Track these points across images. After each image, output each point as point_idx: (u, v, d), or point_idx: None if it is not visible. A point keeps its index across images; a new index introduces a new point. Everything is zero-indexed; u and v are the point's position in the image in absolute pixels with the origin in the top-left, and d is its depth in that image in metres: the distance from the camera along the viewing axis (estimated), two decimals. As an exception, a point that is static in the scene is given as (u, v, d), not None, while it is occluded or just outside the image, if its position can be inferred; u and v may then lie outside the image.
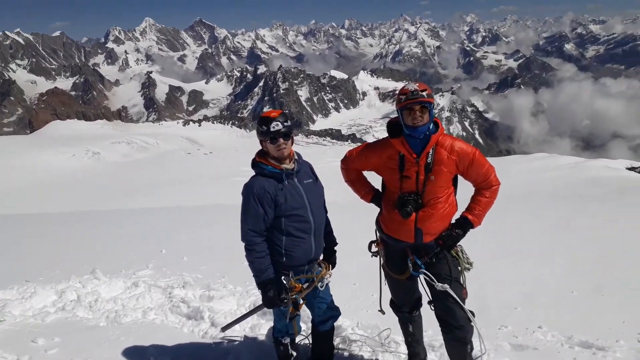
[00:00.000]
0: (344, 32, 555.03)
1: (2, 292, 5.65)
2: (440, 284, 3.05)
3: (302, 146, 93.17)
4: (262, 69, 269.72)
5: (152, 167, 42.85)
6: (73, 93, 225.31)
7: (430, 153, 2.98)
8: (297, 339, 3.79)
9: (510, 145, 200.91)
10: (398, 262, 3.29)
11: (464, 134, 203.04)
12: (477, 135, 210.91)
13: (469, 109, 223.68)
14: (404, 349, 3.88)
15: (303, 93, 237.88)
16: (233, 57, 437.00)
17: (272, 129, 2.97)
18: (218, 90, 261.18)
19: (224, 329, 4.07)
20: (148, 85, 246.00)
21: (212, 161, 47.62)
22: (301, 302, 3.28)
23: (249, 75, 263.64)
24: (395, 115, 3.12)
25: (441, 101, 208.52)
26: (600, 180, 24.15)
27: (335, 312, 3.47)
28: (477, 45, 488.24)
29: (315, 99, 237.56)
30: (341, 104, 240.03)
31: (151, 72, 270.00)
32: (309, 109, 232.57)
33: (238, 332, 4.52)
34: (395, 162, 3.06)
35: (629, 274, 6.24)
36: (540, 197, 18.60)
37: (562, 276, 6.22)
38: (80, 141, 59.34)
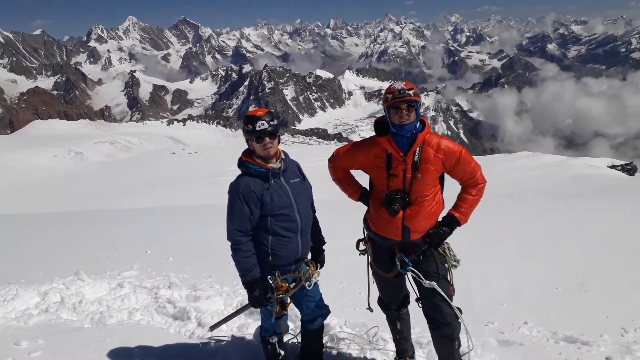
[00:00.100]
0: (329, 31, 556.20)
1: (-17, 295, 5.52)
2: (427, 282, 3.06)
3: (289, 145, 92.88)
4: (247, 68, 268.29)
5: (136, 167, 42.34)
6: (55, 92, 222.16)
7: (417, 151, 2.99)
8: (286, 338, 3.78)
9: (494, 144, 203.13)
10: (386, 260, 3.29)
11: (449, 133, 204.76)
12: (461, 134, 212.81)
13: (454, 108, 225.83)
14: (391, 346, 3.89)
15: (289, 92, 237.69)
16: (218, 56, 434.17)
17: (258, 128, 2.95)
18: (203, 90, 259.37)
19: (211, 328, 4.04)
20: (131, 84, 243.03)
21: (197, 161, 47.19)
22: (288, 301, 3.27)
23: (234, 75, 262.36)
24: (381, 114, 3.13)
25: (426, 101, 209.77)
26: (583, 178, 24.61)
27: (324, 311, 3.45)
28: (462, 45, 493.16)
29: (301, 98, 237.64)
30: (327, 104, 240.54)
31: (134, 71, 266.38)
32: (294, 108, 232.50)
33: (225, 332, 4.49)
34: (383, 160, 3.06)
35: (612, 270, 6.37)
36: (525, 194, 18.86)
37: (546, 273, 6.31)
38: (63, 141, 58.39)
